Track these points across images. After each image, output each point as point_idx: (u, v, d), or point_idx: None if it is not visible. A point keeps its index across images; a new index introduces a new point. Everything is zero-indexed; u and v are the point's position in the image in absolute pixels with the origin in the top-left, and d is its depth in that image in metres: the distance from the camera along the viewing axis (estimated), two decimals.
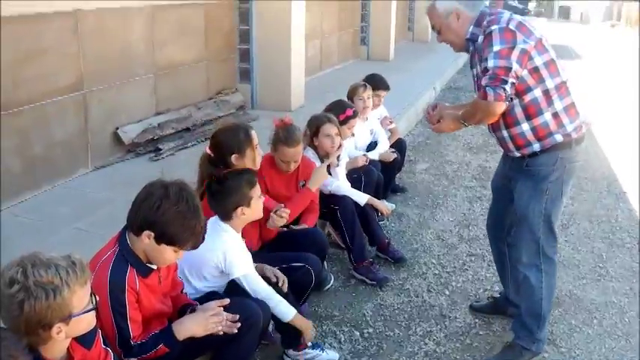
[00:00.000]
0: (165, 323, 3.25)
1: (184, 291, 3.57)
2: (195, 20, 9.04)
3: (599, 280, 5.44)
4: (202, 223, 3.05)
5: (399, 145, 7.02)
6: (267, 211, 4.29)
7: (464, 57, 19.28)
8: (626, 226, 6.64)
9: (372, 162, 6.26)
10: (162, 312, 3.22)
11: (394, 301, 4.97)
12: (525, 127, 3.87)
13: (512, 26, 3.69)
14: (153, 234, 2.94)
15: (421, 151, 9.24)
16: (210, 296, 3.64)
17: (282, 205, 4.43)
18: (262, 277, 3.84)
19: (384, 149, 6.62)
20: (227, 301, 3.34)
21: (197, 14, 9.07)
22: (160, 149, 7.55)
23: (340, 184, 5.38)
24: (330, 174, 5.36)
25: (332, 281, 5.13)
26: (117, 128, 7.37)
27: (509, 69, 3.61)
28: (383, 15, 17.41)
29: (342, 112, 5.65)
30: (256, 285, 3.73)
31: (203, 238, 3.10)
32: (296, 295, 4.07)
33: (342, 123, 5.56)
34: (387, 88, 7.14)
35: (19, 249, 2.41)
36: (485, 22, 3.84)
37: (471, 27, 3.94)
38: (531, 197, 4.01)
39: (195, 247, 3.09)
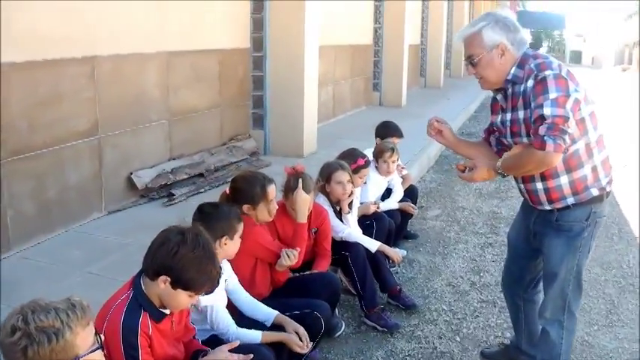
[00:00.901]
0: None
1: (196, 337, 3.58)
2: (209, 67, 9.16)
3: (611, 326, 5.41)
4: (218, 268, 3.07)
5: (410, 192, 7.05)
6: (274, 255, 4.32)
7: (475, 103, 19.45)
8: (637, 271, 6.60)
9: (389, 210, 6.35)
10: (174, 357, 3.23)
11: (405, 348, 4.96)
12: (564, 180, 3.72)
13: (564, 73, 3.52)
14: (169, 279, 2.95)
15: (432, 197, 9.26)
16: (219, 341, 3.67)
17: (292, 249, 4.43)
18: (279, 327, 3.88)
19: (399, 197, 6.67)
20: (237, 343, 3.36)
21: (211, 61, 9.19)
22: (173, 194, 7.60)
23: (352, 231, 5.39)
24: (342, 221, 5.40)
25: (343, 327, 5.11)
26: (131, 173, 7.44)
27: (567, 118, 3.41)
28: (395, 61, 17.53)
29: (354, 161, 5.67)
30: (219, 317, 3.75)
31: (218, 283, 3.13)
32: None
33: (354, 172, 5.57)
34: (400, 135, 7.15)
35: (31, 292, 2.46)
36: (531, 65, 3.62)
37: (514, 68, 3.70)
38: (565, 255, 3.87)
39: (210, 291, 3.12)
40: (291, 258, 4.32)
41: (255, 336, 3.73)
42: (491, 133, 4.19)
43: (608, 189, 3.81)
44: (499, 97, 3.92)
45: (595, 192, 3.74)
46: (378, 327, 5.16)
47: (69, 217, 6.54)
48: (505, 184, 10.01)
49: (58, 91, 6.32)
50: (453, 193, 9.50)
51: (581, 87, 3.58)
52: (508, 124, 3.84)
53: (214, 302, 3.74)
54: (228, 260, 3.98)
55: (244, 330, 3.75)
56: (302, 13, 9.82)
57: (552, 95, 3.44)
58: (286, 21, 9.87)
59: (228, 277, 4.03)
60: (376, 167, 6.51)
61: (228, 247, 3.83)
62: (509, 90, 3.79)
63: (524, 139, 3.71)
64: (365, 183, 6.13)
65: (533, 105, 3.53)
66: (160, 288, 2.99)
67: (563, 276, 3.90)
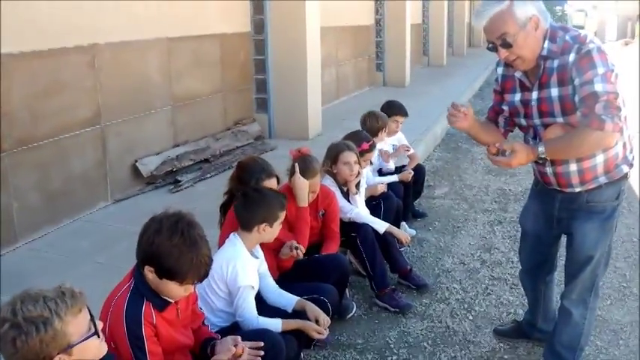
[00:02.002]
0: (188, 355, 3.24)
1: (206, 322, 3.55)
2: (211, 51, 9.11)
3: (624, 300, 5.37)
4: (201, 256, 2.94)
5: (417, 171, 6.98)
6: (278, 241, 4.28)
7: (479, 80, 19.36)
8: None
9: (393, 186, 6.34)
10: (184, 344, 3.19)
11: (417, 327, 4.93)
12: (600, 159, 3.54)
13: (604, 47, 3.32)
14: (153, 269, 2.92)
15: (440, 176, 9.21)
16: (234, 327, 3.65)
17: (295, 242, 4.38)
18: (301, 312, 3.89)
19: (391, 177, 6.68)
20: (260, 343, 3.32)
21: (213, 46, 9.14)
22: (179, 181, 7.57)
23: (359, 212, 5.36)
24: (349, 202, 5.36)
25: (355, 309, 5.08)
26: (135, 161, 7.42)
27: (617, 94, 3.26)
28: (398, 41, 17.46)
29: (358, 145, 5.59)
30: (246, 302, 3.74)
31: (205, 274, 3.01)
32: None
33: (361, 154, 5.53)
34: (405, 114, 7.10)
35: (38, 285, 2.41)
36: (566, 38, 3.39)
37: (546, 42, 3.41)
38: (600, 238, 3.73)
39: (200, 280, 3.02)
40: (294, 253, 4.29)
41: (275, 325, 3.71)
42: (498, 113, 3.99)
43: (634, 163, 3.70)
44: (519, 74, 3.64)
45: (625, 169, 3.64)
46: (390, 308, 5.13)
47: (75, 207, 6.51)
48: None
49: (59, 80, 6.28)
50: (460, 171, 9.46)
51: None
52: (534, 103, 3.59)
53: (246, 284, 3.74)
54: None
55: (265, 319, 3.74)
56: None
57: (601, 70, 3.25)
58: (287, 3, 9.81)
59: (261, 262, 4.02)
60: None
61: (266, 234, 3.88)
62: (541, 66, 3.48)
63: (559, 119, 3.50)
64: (371, 163, 6.10)
65: (578, 81, 3.31)
66: (149, 278, 2.95)
67: (597, 259, 3.77)
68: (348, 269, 4.73)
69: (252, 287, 3.79)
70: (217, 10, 9.18)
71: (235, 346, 3.19)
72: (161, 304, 3.01)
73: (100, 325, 2.47)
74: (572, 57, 3.34)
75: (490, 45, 3.49)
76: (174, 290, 2.98)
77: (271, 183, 4.30)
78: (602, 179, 3.60)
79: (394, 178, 6.55)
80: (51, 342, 2.27)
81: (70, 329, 2.31)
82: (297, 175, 4.60)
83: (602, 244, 3.75)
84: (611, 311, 5.17)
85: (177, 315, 3.12)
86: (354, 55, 15.62)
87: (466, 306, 5.28)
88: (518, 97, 3.72)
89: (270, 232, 3.88)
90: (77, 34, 6.46)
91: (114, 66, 7.04)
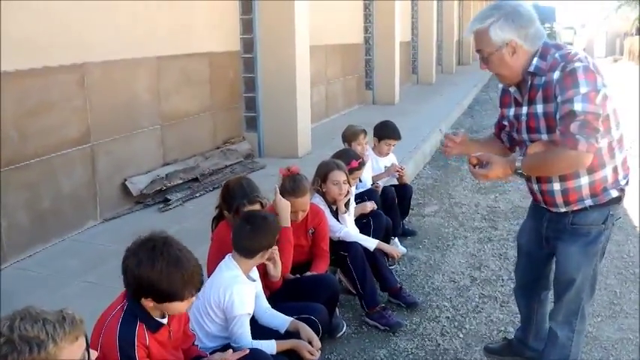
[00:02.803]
0: None
1: (196, 343, 3.54)
2: (200, 70, 9.12)
3: (615, 317, 5.37)
4: (190, 269, 2.96)
5: (404, 190, 6.96)
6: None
7: (468, 98, 19.45)
8: (638, 261, 6.57)
9: (388, 189, 6.55)
10: None
11: (408, 346, 4.91)
12: (584, 180, 3.52)
13: (592, 66, 3.32)
14: (150, 298, 2.92)
15: (429, 194, 9.21)
16: (226, 349, 3.64)
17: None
18: (294, 333, 3.89)
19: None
20: (244, 352, 3.31)
21: (202, 64, 9.15)
22: (169, 200, 7.56)
23: (349, 231, 5.36)
24: (338, 221, 5.36)
25: (345, 328, 5.06)
26: (125, 180, 7.40)
27: (598, 115, 3.25)
28: (387, 59, 17.53)
29: (347, 162, 5.59)
30: (242, 329, 3.72)
31: (200, 281, 3.04)
32: None
33: (350, 172, 5.54)
34: (398, 137, 7.11)
35: (27, 304, 2.39)
36: (555, 55, 3.42)
37: (535, 59, 3.47)
38: (582, 262, 3.70)
39: (197, 290, 3.04)
40: (271, 259, 4.25)
41: (270, 347, 3.69)
42: (501, 128, 4.05)
43: (625, 188, 3.65)
44: (513, 89, 3.70)
45: (614, 193, 3.58)
46: (380, 326, 5.11)
47: (64, 226, 6.48)
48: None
49: (48, 99, 6.27)
50: (449, 189, 9.46)
51: (606, 81, 3.37)
52: (524, 118, 3.64)
53: (242, 314, 3.72)
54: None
55: (260, 342, 3.72)
56: (291, 13, 9.78)
57: (583, 90, 3.25)
58: (276, 21, 9.84)
59: (258, 282, 4.02)
60: None
61: (263, 259, 3.93)
62: (528, 82, 3.55)
63: (544, 136, 3.53)
64: (360, 181, 6.11)
65: (560, 99, 3.33)
66: (151, 307, 2.96)
67: (580, 282, 3.74)
68: (338, 289, 4.73)
69: (249, 314, 3.77)
70: (206, 29, 9.20)
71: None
72: (154, 325, 3.01)
73: (93, 355, 2.45)
74: (556, 74, 3.37)
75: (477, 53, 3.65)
76: (178, 307, 3.01)
77: (254, 209, 4.28)
78: (588, 202, 3.58)
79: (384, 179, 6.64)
80: None
81: (64, 355, 2.28)
82: (279, 196, 4.59)
83: (585, 268, 3.73)
84: (602, 328, 5.17)
85: (169, 336, 3.12)
86: (344, 74, 15.66)
87: (456, 324, 5.26)
88: (512, 111, 3.76)
89: (266, 257, 3.88)
90: (67, 52, 6.45)
91: (103, 85, 7.03)
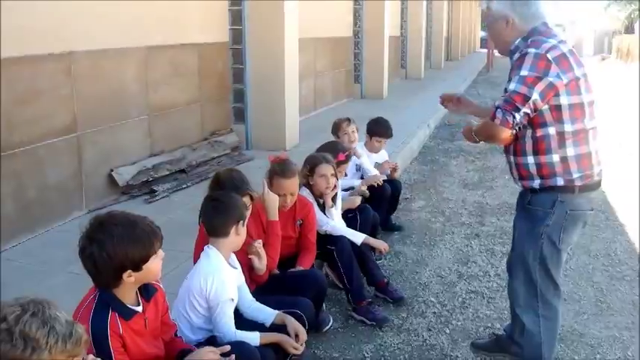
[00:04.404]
0: None
1: (179, 334, 3.50)
2: (188, 61, 9.08)
3: (601, 315, 5.37)
4: (145, 221, 2.99)
5: (393, 185, 6.95)
6: (244, 251, 4.25)
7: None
8: (625, 258, 6.58)
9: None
10: (153, 355, 3.14)
11: (394, 341, 4.90)
12: (530, 160, 3.74)
13: (550, 55, 3.52)
14: (129, 271, 2.89)
15: (417, 189, 9.21)
16: (210, 341, 3.60)
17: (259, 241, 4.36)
18: (280, 326, 3.86)
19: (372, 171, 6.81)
20: (227, 348, 3.28)
21: (191, 55, 9.10)
22: (155, 191, 7.52)
23: (336, 225, 5.33)
24: (325, 214, 5.34)
25: (331, 323, 5.05)
26: (111, 170, 7.35)
27: (527, 98, 3.47)
28: (376, 53, 17.54)
29: (334, 155, 5.59)
30: (225, 317, 3.69)
31: (159, 231, 3.03)
32: None
33: (337, 164, 5.55)
34: (389, 136, 7.14)
35: (12, 294, 2.35)
36: (529, 41, 3.69)
37: (518, 40, 3.79)
38: (526, 239, 3.95)
39: (161, 240, 3.02)
40: (255, 251, 4.24)
41: (254, 339, 3.66)
42: None
43: (578, 183, 3.73)
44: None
45: (560, 181, 3.72)
46: (367, 321, 5.10)
47: (49, 217, 6.44)
48: (489, 173, 9.99)
49: (34, 88, 6.22)
50: (437, 185, 9.46)
51: (571, 75, 3.56)
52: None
53: (227, 299, 3.69)
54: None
55: (243, 333, 3.68)
56: (281, 5, 9.76)
57: (523, 72, 3.50)
58: (265, 13, 9.81)
59: (240, 272, 3.99)
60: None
61: (241, 235, 3.84)
62: (510, 59, 3.82)
63: None
64: (346, 175, 6.11)
65: (509, 78, 3.63)
66: (132, 281, 2.94)
67: (528, 261, 3.94)
68: (325, 285, 4.70)
69: (232, 300, 3.74)
70: (196, 20, 9.15)
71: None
72: (128, 313, 2.97)
73: None
74: (516, 56, 3.71)
75: None
76: (154, 267, 2.99)
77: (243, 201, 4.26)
78: (536, 183, 3.79)
79: (357, 182, 6.55)
80: None
81: None
82: (267, 189, 4.59)
83: (530, 247, 3.91)
84: (588, 326, 5.17)
85: (144, 325, 3.07)
86: (332, 67, 15.64)
87: (443, 320, 5.26)
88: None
89: (243, 232, 3.83)
90: (54, 41, 6.40)
91: (91, 74, 6.98)
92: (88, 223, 2.96)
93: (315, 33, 13.59)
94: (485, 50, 40.04)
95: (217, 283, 3.65)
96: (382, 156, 7.26)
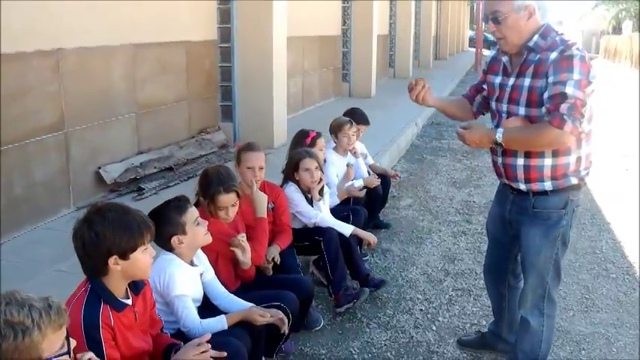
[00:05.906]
0: None
1: (165, 330, 3.50)
2: (176, 59, 9.05)
3: (586, 312, 5.41)
4: (139, 213, 3.03)
5: (382, 182, 6.97)
6: (227, 245, 4.27)
7: (445, 93, 19.44)
8: (610, 256, 6.64)
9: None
10: (143, 350, 3.15)
11: (381, 338, 4.91)
12: (548, 162, 3.65)
13: (587, 59, 3.50)
14: (116, 257, 2.91)
15: (404, 187, 9.22)
16: (186, 335, 3.61)
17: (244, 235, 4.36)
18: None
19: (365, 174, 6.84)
20: (208, 336, 3.27)
21: (178, 53, 9.08)
22: (143, 189, 7.51)
23: (324, 216, 5.38)
24: (313, 207, 5.38)
25: (322, 322, 5.05)
26: (99, 168, 7.33)
27: (585, 103, 3.43)
28: (364, 52, 17.56)
29: (306, 136, 5.85)
30: (186, 310, 3.68)
31: (152, 224, 3.06)
32: (274, 335, 4.00)
33: (311, 145, 5.76)
34: (367, 122, 7.20)
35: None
36: (557, 38, 3.60)
37: (536, 36, 3.63)
38: (542, 245, 3.82)
39: (152, 233, 3.06)
40: (238, 244, 4.23)
41: (220, 323, 3.67)
42: (478, 91, 4.22)
43: (585, 180, 3.78)
44: (505, 58, 3.85)
45: (574, 180, 3.71)
46: (350, 305, 5.16)
47: (36, 214, 6.42)
48: (477, 172, 10.02)
49: (22, 84, 6.19)
50: (424, 183, 9.49)
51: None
52: (508, 89, 3.78)
53: (183, 293, 3.68)
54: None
55: (208, 320, 3.69)
56: (270, 4, 9.76)
57: (576, 76, 3.42)
58: (254, 12, 9.81)
59: (205, 270, 3.98)
60: (334, 148, 6.62)
61: (188, 242, 3.75)
62: (524, 56, 3.70)
63: (521, 109, 3.68)
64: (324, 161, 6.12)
65: (552, 79, 3.48)
66: (118, 270, 2.95)
67: (542, 266, 3.85)
68: (312, 291, 4.69)
69: (187, 296, 3.71)
70: (184, 18, 9.13)
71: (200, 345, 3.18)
72: (119, 305, 2.99)
73: (73, 343, 2.44)
74: (554, 55, 3.53)
75: (485, 17, 3.79)
76: (142, 260, 3.00)
77: (229, 197, 4.25)
78: (548, 185, 3.72)
79: (360, 182, 6.53)
80: (24, 351, 2.22)
81: (45, 344, 2.27)
82: (255, 188, 4.70)
83: (546, 252, 3.84)
84: (574, 322, 5.21)
85: (135, 319, 3.09)
86: (321, 66, 15.64)
87: (430, 317, 5.28)
88: (498, 79, 3.90)
89: (190, 237, 3.73)
90: (41, 37, 6.38)
91: (78, 71, 6.96)
92: (87, 209, 3.03)
93: (303, 31, 13.60)
94: (473, 49, 40.13)
95: (168, 278, 3.66)
96: (360, 146, 7.20)
